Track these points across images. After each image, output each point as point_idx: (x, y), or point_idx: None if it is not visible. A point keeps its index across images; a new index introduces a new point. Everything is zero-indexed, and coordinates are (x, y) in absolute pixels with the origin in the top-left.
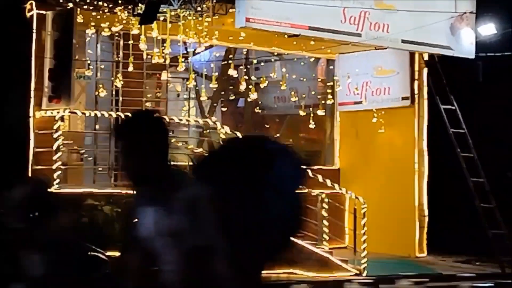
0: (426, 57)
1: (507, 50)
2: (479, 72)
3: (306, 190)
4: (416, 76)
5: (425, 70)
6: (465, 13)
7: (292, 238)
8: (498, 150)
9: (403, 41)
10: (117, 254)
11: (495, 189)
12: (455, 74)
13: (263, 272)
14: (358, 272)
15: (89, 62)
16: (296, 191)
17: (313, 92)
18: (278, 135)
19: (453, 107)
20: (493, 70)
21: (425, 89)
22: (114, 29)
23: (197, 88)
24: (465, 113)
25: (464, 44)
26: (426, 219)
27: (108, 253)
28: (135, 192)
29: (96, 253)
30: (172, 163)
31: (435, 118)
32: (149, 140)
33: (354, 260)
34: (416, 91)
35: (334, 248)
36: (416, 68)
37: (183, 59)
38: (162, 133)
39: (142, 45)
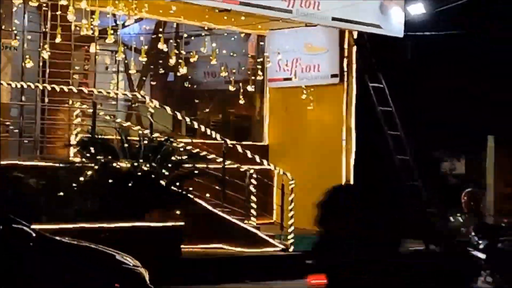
0: (355, 35)
1: (436, 29)
2: (408, 51)
3: (235, 166)
4: (346, 54)
5: (355, 48)
6: None
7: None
8: (424, 128)
9: (333, 19)
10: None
11: (420, 167)
12: (384, 53)
13: None
14: (285, 248)
15: (15, 32)
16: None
17: (243, 68)
18: (207, 110)
19: (381, 86)
20: (421, 49)
21: (354, 67)
22: None
23: (126, 61)
24: (393, 92)
25: (394, 23)
26: None
27: (34, 226)
28: None
29: (21, 226)
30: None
31: (363, 96)
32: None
33: (281, 236)
34: (345, 69)
35: (262, 224)
36: (346, 45)
37: (112, 32)
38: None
39: (71, 16)
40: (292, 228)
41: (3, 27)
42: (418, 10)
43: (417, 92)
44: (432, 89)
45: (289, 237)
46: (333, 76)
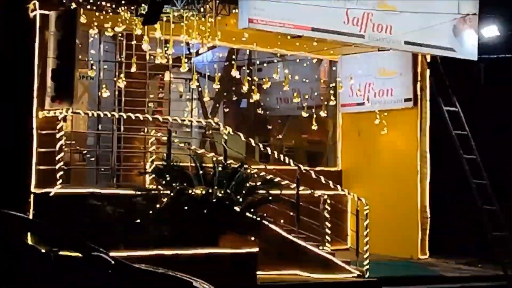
0: (428, 59)
1: (510, 51)
2: (482, 73)
3: (308, 191)
4: (419, 78)
5: (428, 72)
6: (468, 14)
7: None
8: (501, 151)
9: (406, 43)
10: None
11: (498, 191)
12: (458, 76)
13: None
14: (360, 274)
15: (92, 62)
16: None
17: (315, 93)
18: (280, 136)
19: (455, 109)
20: (495, 71)
21: (428, 90)
22: (117, 29)
23: (199, 89)
24: (468, 115)
25: (467, 45)
26: (428, 221)
27: (111, 254)
28: None
29: (99, 253)
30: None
31: (437, 120)
32: None
33: (356, 262)
34: (418, 93)
35: (337, 250)
36: (419, 69)
37: (186, 60)
38: None
39: (145, 46)
40: (368, 253)
41: (79, 57)
42: (491, 32)
43: (492, 115)
44: (508, 112)
45: (364, 263)
46: (406, 100)
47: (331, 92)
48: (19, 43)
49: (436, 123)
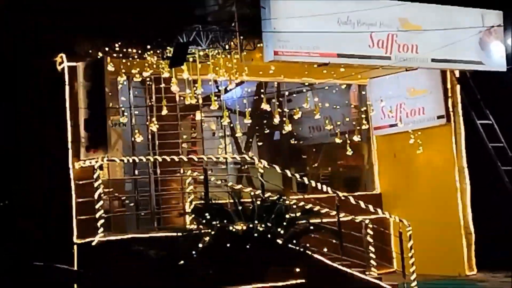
0: (457, 74)
1: None
2: None
3: (349, 217)
4: (450, 94)
5: (458, 87)
6: (493, 26)
7: None
8: None
9: (433, 60)
10: None
11: None
12: (489, 88)
13: None
14: None
15: (123, 109)
16: None
17: (347, 119)
18: (316, 164)
19: (489, 122)
20: None
21: (460, 105)
22: (145, 74)
23: (231, 125)
24: (502, 126)
25: (495, 57)
26: (473, 236)
27: None
28: None
29: None
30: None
31: (472, 134)
32: None
33: (404, 284)
34: (451, 109)
35: (383, 274)
36: (449, 85)
37: (215, 98)
38: None
39: (174, 87)
40: (414, 275)
41: (110, 104)
42: None
43: None
44: None
45: (412, 284)
46: (439, 117)
47: (363, 116)
48: (50, 96)
49: (472, 137)
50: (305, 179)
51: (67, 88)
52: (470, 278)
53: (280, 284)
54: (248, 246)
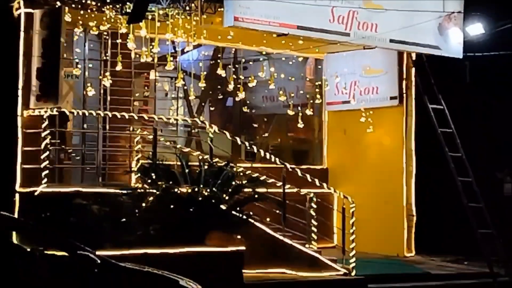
0: (414, 57)
1: (495, 49)
2: (467, 71)
3: (294, 189)
4: (404, 76)
5: (413, 70)
6: (453, 12)
7: None
8: (486, 149)
9: (391, 41)
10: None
11: (483, 189)
12: (443, 74)
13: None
14: (347, 272)
15: (77, 61)
16: None
17: (301, 92)
18: (266, 134)
19: (441, 107)
20: (480, 69)
21: (413, 88)
22: (102, 28)
23: (185, 87)
24: (453, 113)
25: (452, 43)
26: (414, 218)
27: (98, 253)
28: None
29: (86, 252)
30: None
31: (423, 118)
32: None
33: (343, 260)
34: (404, 91)
35: (323, 248)
36: (404, 67)
37: (171, 58)
38: None
39: (130, 44)
40: (354, 252)
41: (64, 55)
42: (477, 30)
43: (477, 113)
44: (493, 109)
45: (351, 261)
46: (392, 98)
47: (317, 90)
48: (4, 42)
49: (422, 121)
50: (254, 148)
51: (22, 34)
52: (408, 260)
53: (220, 249)
54: (191, 209)
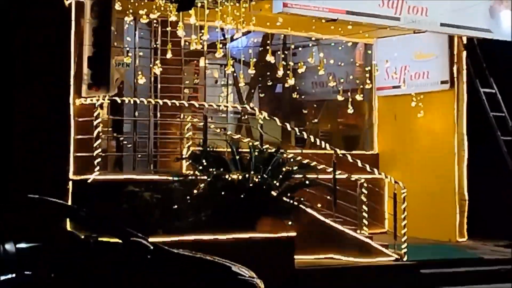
0: (465, 41)
1: None
2: None
3: (345, 175)
4: (455, 60)
5: (464, 53)
6: None
7: None
8: None
9: (442, 24)
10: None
11: None
12: (495, 57)
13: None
14: (398, 257)
15: (127, 49)
16: None
17: (351, 77)
18: (316, 120)
19: (493, 91)
20: None
21: (465, 72)
22: (152, 16)
23: (235, 74)
24: (505, 96)
25: (504, 26)
26: (466, 203)
27: (150, 239)
28: None
29: (139, 239)
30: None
31: (474, 102)
32: None
33: (394, 245)
34: (455, 75)
35: (374, 233)
36: (455, 51)
37: (220, 46)
38: None
39: (180, 32)
40: (405, 237)
41: (115, 44)
42: None
43: None
44: None
45: (402, 246)
46: (443, 82)
47: (367, 75)
48: (55, 31)
49: (474, 105)
50: (304, 134)
51: (73, 23)
52: (460, 245)
53: (271, 235)
54: (242, 196)
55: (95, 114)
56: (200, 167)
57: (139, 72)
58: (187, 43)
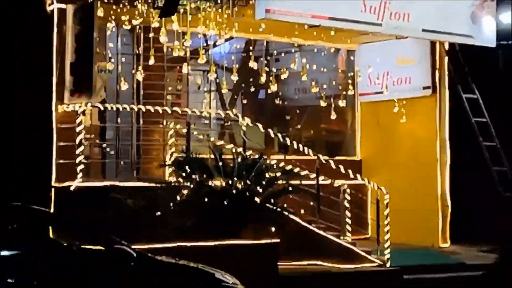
0: (447, 46)
1: None
2: (500, 60)
3: (328, 181)
4: (437, 65)
5: (446, 59)
6: (486, 1)
7: None
8: None
9: (424, 30)
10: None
11: None
12: (477, 63)
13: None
14: (382, 263)
15: (110, 55)
16: None
17: (333, 83)
18: (299, 126)
19: (474, 96)
20: None
21: (446, 78)
22: (134, 22)
23: (217, 80)
24: (487, 102)
25: (485, 32)
26: (449, 208)
27: (133, 246)
28: None
29: (122, 246)
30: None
31: (456, 108)
32: None
33: (377, 251)
34: (437, 80)
35: (358, 239)
36: (437, 57)
37: (203, 52)
38: None
39: (163, 38)
40: (389, 243)
41: (97, 50)
42: (510, 18)
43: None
44: None
45: (385, 252)
46: (425, 88)
47: (349, 81)
48: (37, 37)
49: (456, 110)
50: (287, 140)
51: (55, 30)
52: (444, 250)
53: (255, 242)
54: (225, 202)
55: (77, 121)
56: (184, 174)
57: (122, 79)
58: (169, 49)
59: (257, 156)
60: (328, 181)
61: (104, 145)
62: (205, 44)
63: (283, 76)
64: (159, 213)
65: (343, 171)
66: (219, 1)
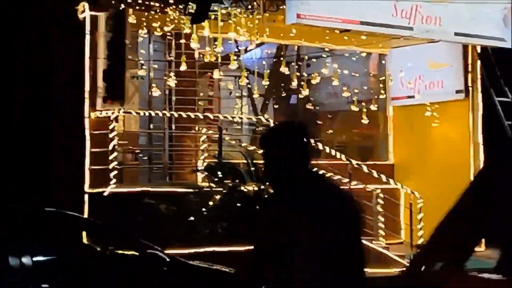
0: (479, 50)
1: None
2: None
3: (361, 186)
4: (470, 69)
5: (479, 63)
6: None
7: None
8: None
9: (456, 34)
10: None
11: None
12: (510, 66)
13: None
14: None
15: (142, 62)
16: None
17: (365, 87)
18: (331, 131)
19: (508, 99)
20: None
21: (479, 81)
22: (166, 29)
23: (249, 86)
24: None
25: None
26: None
27: (166, 251)
28: (274, 193)
29: (155, 251)
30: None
31: (490, 111)
32: (293, 147)
33: (411, 255)
34: (470, 84)
35: (391, 244)
36: (470, 60)
37: (234, 57)
38: (304, 141)
39: (194, 44)
40: None
41: (129, 57)
42: None
43: None
44: None
45: None
46: (457, 92)
47: (381, 85)
48: (70, 45)
49: (489, 114)
50: (319, 145)
51: (87, 37)
52: (478, 254)
53: None
54: (258, 207)
55: (110, 127)
56: (216, 179)
57: (154, 85)
58: (201, 55)
59: None
60: (361, 186)
61: (137, 151)
62: (236, 50)
63: (314, 81)
64: (191, 218)
65: (375, 175)
66: (249, 7)
